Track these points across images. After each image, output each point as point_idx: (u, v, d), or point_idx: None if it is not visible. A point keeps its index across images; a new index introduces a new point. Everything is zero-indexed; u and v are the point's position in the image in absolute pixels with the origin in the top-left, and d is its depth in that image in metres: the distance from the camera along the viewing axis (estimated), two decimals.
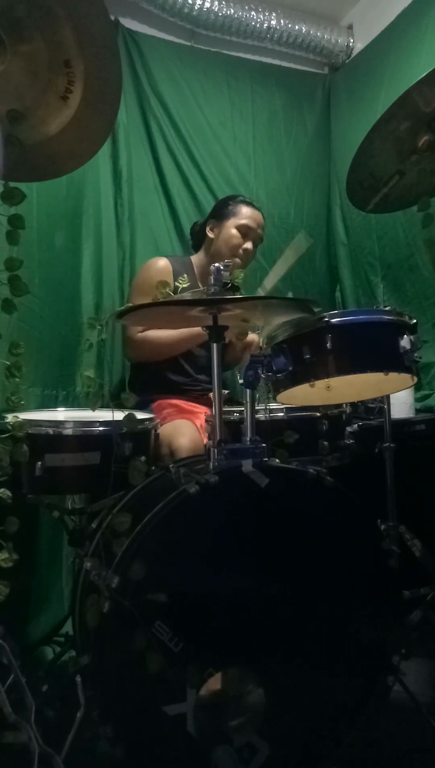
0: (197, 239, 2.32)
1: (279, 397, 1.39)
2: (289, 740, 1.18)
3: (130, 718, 1.09)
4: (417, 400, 2.20)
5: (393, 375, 1.36)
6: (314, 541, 1.24)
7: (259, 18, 2.72)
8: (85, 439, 1.39)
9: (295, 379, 1.33)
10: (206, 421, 1.80)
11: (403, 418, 1.91)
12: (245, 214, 2.18)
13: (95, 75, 1.19)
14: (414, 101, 1.36)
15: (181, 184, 2.60)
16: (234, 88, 2.77)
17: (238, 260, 2.11)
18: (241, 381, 1.36)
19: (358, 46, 2.93)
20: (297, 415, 1.60)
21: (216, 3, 2.60)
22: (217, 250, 2.15)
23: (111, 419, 1.34)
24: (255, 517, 1.22)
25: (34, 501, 1.51)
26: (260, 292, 1.98)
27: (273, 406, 1.55)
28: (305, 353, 1.31)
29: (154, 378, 2.11)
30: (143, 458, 1.32)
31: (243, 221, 2.16)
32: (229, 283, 1.31)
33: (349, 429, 1.74)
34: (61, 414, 1.71)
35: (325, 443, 1.58)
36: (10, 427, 1.26)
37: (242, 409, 1.38)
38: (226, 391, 2.05)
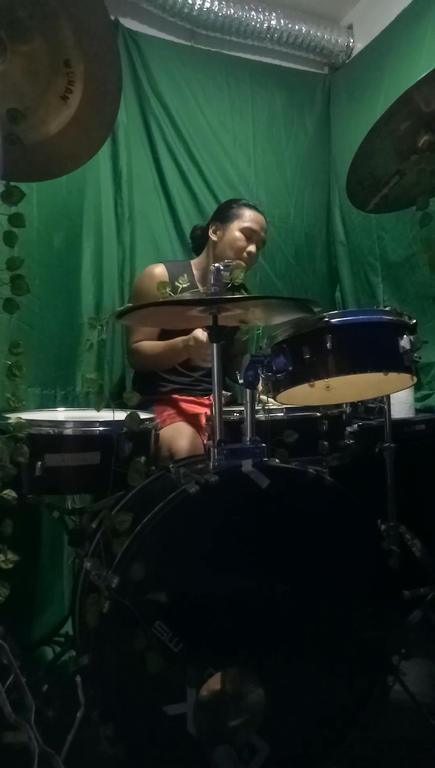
0: (198, 243, 2.32)
1: (279, 397, 1.39)
2: (289, 740, 1.18)
3: (130, 718, 1.09)
4: (417, 400, 2.20)
5: (393, 375, 1.36)
6: (314, 541, 1.24)
7: (259, 18, 2.72)
8: (85, 439, 1.39)
9: (294, 379, 1.33)
10: (206, 421, 1.81)
11: (403, 418, 1.91)
12: (249, 217, 2.18)
13: (95, 75, 1.19)
14: (414, 101, 1.36)
15: (181, 184, 2.60)
16: (234, 88, 2.76)
17: (241, 263, 2.12)
18: (241, 381, 1.36)
19: (358, 46, 2.93)
20: (297, 415, 1.60)
21: (216, 3, 2.60)
22: (221, 252, 2.14)
23: (111, 419, 1.34)
24: (255, 517, 1.22)
25: (35, 501, 1.51)
26: None
27: (273, 406, 1.55)
28: (305, 353, 1.31)
29: (155, 378, 2.12)
30: (143, 458, 1.32)
31: (247, 224, 2.16)
32: (229, 284, 1.31)
33: (349, 429, 1.74)
34: (61, 414, 1.71)
35: (325, 443, 1.58)
36: (10, 428, 1.27)
37: (242, 409, 1.38)
38: (229, 393, 2.05)
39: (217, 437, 1.30)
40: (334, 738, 1.23)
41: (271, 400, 1.46)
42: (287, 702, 1.18)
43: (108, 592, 1.08)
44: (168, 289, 1.36)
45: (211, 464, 1.28)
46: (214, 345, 1.33)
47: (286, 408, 1.58)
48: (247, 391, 1.33)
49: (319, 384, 1.33)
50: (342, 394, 1.52)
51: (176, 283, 1.38)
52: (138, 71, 2.51)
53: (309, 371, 1.31)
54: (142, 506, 1.21)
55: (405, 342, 1.32)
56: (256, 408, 1.36)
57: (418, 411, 2.10)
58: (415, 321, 1.38)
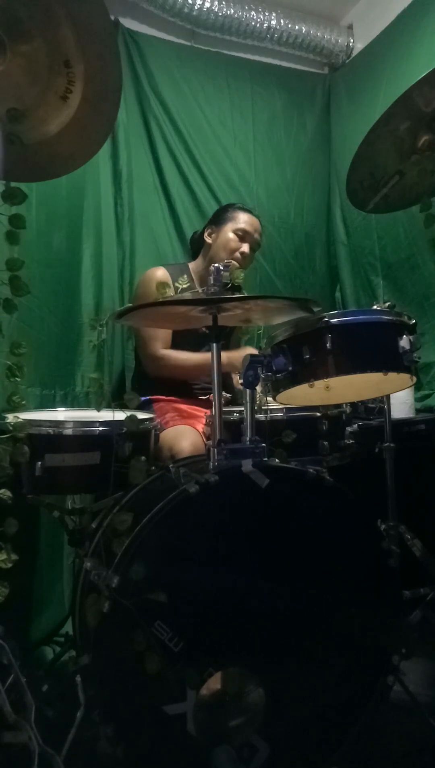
0: (196, 246, 2.35)
1: (279, 397, 1.39)
2: (289, 740, 1.18)
3: (130, 718, 1.09)
4: (417, 400, 2.20)
5: (392, 375, 1.36)
6: (314, 541, 1.24)
7: (259, 18, 2.72)
8: (85, 439, 1.39)
9: (294, 379, 1.33)
10: (206, 422, 1.81)
11: (403, 418, 1.91)
12: (243, 219, 2.21)
13: (95, 75, 1.19)
14: (414, 101, 1.36)
15: (181, 184, 2.60)
16: (234, 88, 2.77)
17: (234, 263, 2.13)
18: (241, 381, 1.36)
19: (358, 46, 2.93)
20: (297, 415, 1.60)
21: (216, 3, 2.60)
22: (215, 254, 2.17)
23: (111, 419, 1.34)
24: (255, 517, 1.22)
25: (34, 501, 1.51)
26: None
27: (273, 406, 1.55)
28: (305, 353, 1.31)
29: (154, 379, 2.12)
30: (143, 458, 1.32)
31: (240, 225, 2.19)
32: (229, 284, 1.31)
33: (349, 429, 1.74)
34: (61, 414, 1.71)
35: (325, 443, 1.58)
36: (10, 428, 1.26)
37: (242, 409, 1.38)
38: (229, 395, 2.05)
39: (217, 437, 1.30)
40: (334, 738, 1.22)
41: (269, 399, 1.46)
42: (287, 702, 1.18)
43: (108, 592, 1.08)
44: (168, 290, 1.36)
45: (211, 464, 1.28)
46: (214, 345, 1.33)
47: (286, 408, 1.58)
48: (247, 391, 1.33)
49: (319, 384, 1.33)
50: (342, 394, 1.52)
51: (176, 284, 1.38)
52: (138, 71, 2.52)
53: (309, 371, 1.31)
54: (142, 506, 1.21)
55: (405, 342, 1.32)
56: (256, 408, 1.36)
57: (418, 411, 2.10)
58: (414, 321, 1.38)
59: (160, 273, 2.14)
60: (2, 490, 1.16)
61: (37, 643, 1.84)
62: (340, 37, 2.94)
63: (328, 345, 1.28)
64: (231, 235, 2.17)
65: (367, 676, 1.26)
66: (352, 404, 1.79)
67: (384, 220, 2.53)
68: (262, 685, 1.17)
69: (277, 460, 1.32)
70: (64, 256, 2.13)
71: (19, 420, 1.29)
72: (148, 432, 1.50)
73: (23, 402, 1.31)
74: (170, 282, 2.07)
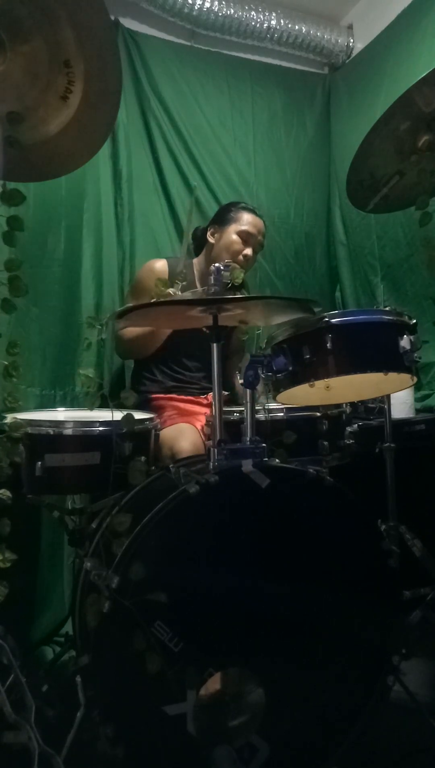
0: (198, 243, 2.32)
1: (279, 397, 1.39)
2: (289, 740, 1.18)
3: (130, 718, 1.09)
4: (417, 400, 2.20)
5: (392, 375, 1.36)
6: (314, 541, 1.24)
7: (259, 18, 2.72)
8: (85, 439, 1.39)
9: (295, 379, 1.33)
10: (206, 422, 1.81)
11: (403, 418, 1.91)
12: (247, 220, 2.18)
13: (95, 75, 1.19)
14: (414, 101, 1.36)
15: (181, 184, 2.59)
16: (234, 88, 2.76)
17: (236, 265, 2.11)
18: (241, 381, 1.36)
19: (358, 46, 2.93)
20: (297, 415, 1.60)
21: (216, 3, 2.60)
22: (217, 254, 2.15)
23: (111, 419, 1.34)
24: (255, 517, 1.22)
25: (34, 501, 1.51)
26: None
27: (273, 406, 1.55)
28: (305, 353, 1.31)
29: (153, 377, 2.12)
30: (143, 458, 1.32)
31: (244, 227, 2.16)
32: (229, 283, 1.31)
33: (349, 429, 1.74)
34: (61, 414, 1.71)
35: (325, 443, 1.58)
36: (8, 428, 1.26)
37: (242, 409, 1.38)
38: (227, 393, 2.05)
39: (217, 437, 1.30)
40: (334, 738, 1.22)
41: (263, 400, 1.46)
42: (287, 702, 1.18)
43: (108, 592, 1.08)
44: (166, 288, 1.36)
45: (211, 464, 1.28)
46: (214, 345, 1.33)
47: (286, 408, 1.58)
48: (247, 391, 1.33)
49: (319, 384, 1.33)
50: (342, 394, 1.52)
51: (175, 281, 1.38)
52: (138, 71, 2.51)
53: (309, 371, 1.31)
54: (142, 506, 1.21)
55: (405, 342, 1.32)
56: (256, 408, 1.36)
57: (418, 411, 2.10)
58: (414, 321, 1.38)
59: (160, 265, 2.13)
60: (2, 490, 1.16)
61: (37, 643, 1.84)
62: (340, 37, 2.94)
63: (328, 345, 1.28)
64: (234, 237, 2.14)
65: (367, 676, 1.26)
66: (352, 404, 1.79)
67: (383, 220, 2.52)
68: (262, 685, 1.17)
69: (277, 460, 1.32)
70: (64, 256, 2.13)
71: (17, 420, 1.29)
72: (147, 432, 1.50)
73: (19, 402, 1.31)
74: (168, 275, 2.07)
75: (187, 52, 2.67)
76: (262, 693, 1.17)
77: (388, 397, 1.62)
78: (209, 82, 2.70)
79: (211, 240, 2.20)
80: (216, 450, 1.28)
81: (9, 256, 1.19)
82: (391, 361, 1.32)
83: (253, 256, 2.21)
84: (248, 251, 2.16)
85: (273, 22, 2.75)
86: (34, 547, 1.94)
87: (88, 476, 1.39)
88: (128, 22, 2.54)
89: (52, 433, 1.37)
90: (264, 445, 1.30)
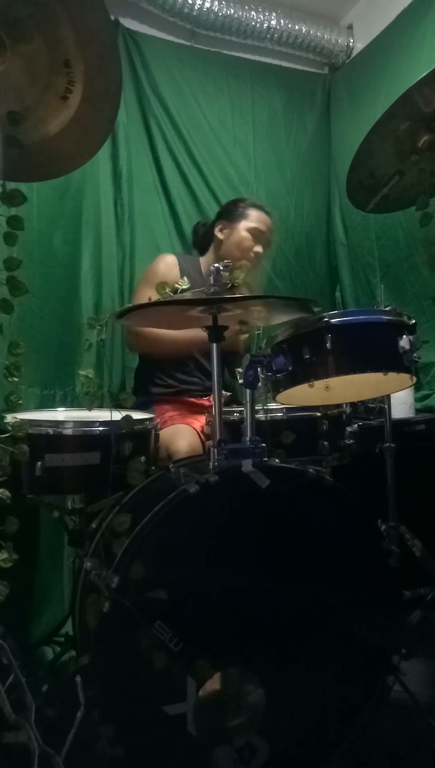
0: (203, 240, 2.30)
1: (279, 397, 1.39)
2: (289, 740, 1.18)
3: (130, 718, 1.09)
4: (417, 400, 2.20)
5: (392, 375, 1.36)
6: (314, 541, 1.24)
7: (259, 18, 2.72)
8: (84, 439, 1.39)
9: (294, 379, 1.33)
10: (206, 422, 1.81)
11: (403, 418, 1.91)
12: (257, 217, 2.17)
13: (95, 75, 1.19)
14: (414, 101, 1.36)
15: (181, 184, 2.60)
16: (234, 88, 2.77)
17: (247, 262, 2.11)
18: (241, 381, 1.36)
19: (358, 46, 2.93)
20: (297, 415, 1.60)
21: (216, 3, 2.60)
22: (228, 251, 2.13)
23: (111, 419, 1.34)
24: (255, 517, 1.22)
25: (34, 501, 1.51)
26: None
27: (273, 406, 1.55)
28: (305, 353, 1.31)
29: (155, 377, 2.12)
30: (143, 458, 1.32)
31: (254, 224, 2.15)
32: (229, 284, 1.31)
33: (349, 429, 1.74)
34: (61, 414, 1.71)
35: (325, 443, 1.58)
36: (9, 428, 1.26)
37: (242, 409, 1.38)
38: (228, 393, 2.05)
39: (217, 437, 1.30)
40: (334, 738, 1.22)
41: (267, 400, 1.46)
42: (287, 702, 1.18)
43: (108, 592, 1.08)
44: (168, 289, 1.36)
45: (211, 464, 1.28)
46: (214, 345, 1.33)
47: (286, 408, 1.58)
48: (247, 391, 1.33)
49: (319, 384, 1.33)
50: (341, 394, 1.52)
51: (176, 285, 1.38)
52: (138, 71, 2.52)
53: (309, 371, 1.31)
54: (142, 506, 1.21)
55: (404, 342, 1.32)
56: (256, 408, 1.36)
57: (418, 411, 2.10)
58: (414, 321, 1.38)
59: (171, 259, 2.14)
60: (1, 490, 1.16)
61: (37, 643, 1.84)
62: (340, 37, 2.94)
63: (328, 345, 1.28)
64: (245, 234, 2.14)
65: (367, 676, 1.26)
66: (352, 404, 1.79)
67: (383, 220, 2.53)
68: (262, 685, 1.17)
69: (277, 460, 1.32)
70: (64, 256, 2.13)
71: (18, 420, 1.29)
72: (147, 432, 1.50)
73: (20, 402, 1.31)
74: (177, 270, 2.06)
75: (187, 52, 2.67)
76: (262, 693, 1.17)
77: (388, 397, 1.62)
78: (209, 82, 2.70)
79: (220, 236, 2.19)
80: (216, 450, 1.28)
81: (9, 255, 1.19)
82: (390, 361, 1.32)
83: (263, 253, 2.20)
84: (259, 248, 2.16)
85: (273, 22, 2.75)
86: (34, 547, 1.94)
87: (87, 476, 1.39)
88: (128, 22, 2.54)
89: (52, 433, 1.37)
90: (264, 445, 1.30)
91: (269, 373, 1.34)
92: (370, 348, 1.33)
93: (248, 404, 1.33)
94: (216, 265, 1.32)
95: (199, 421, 1.90)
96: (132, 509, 1.25)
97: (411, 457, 1.72)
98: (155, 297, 1.37)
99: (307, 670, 1.20)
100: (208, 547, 1.18)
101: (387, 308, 1.37)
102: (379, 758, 1.27)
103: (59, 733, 1.12)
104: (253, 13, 2.71)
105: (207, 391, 2.11)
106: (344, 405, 1.71)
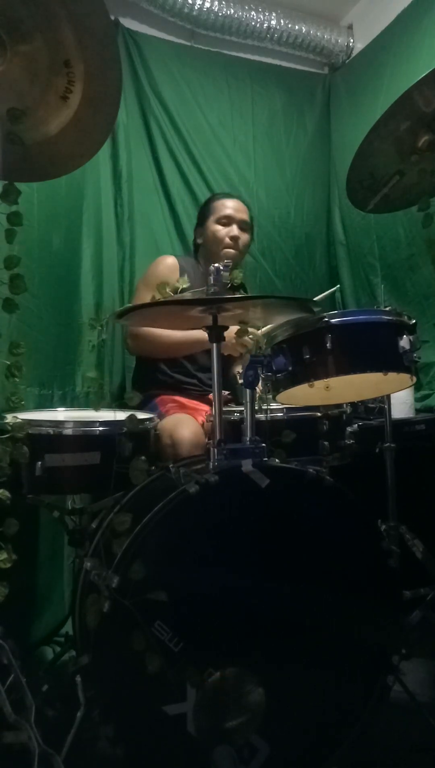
0: (194, 250, 2.33)
1: (279, 397, 1.39)
2: (289, 740, 1.18)
3: (130, 718, 1.09)
4: (417, 400, 2.20)
5: (392, 375, 1.36)
6: (314, 541, 1.24)
7: (259, 18, 2.72)
8: (85, 439, 1.39)
9: (294, 379, 1.33)
10: (207, 419, 1.81)
11: (403, 418, 1.91)
12: (222, 205, 2.18)
13: (95, 75, 1.19)
14: (414, 101, 1.36)
15: (181, 184, 2.60)
16: (234, 88, 2.77)
17: (230, 251, 2.11)
18: (241, 381, 1.36)
19: (358, 46, 2.93)
20: (297, 415, 1.60)
21: (216, 3, 2.60)
22: (208, 251, 2.15)
23: (111, 419, 1.34)
24: (255, 517, 1.22)
25: (34, 501, 1.51)
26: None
27: (273, 406, 1.55)
28: (305, 353, 1.31)
29: (155, 376, 2.12)
30: (143, 458, 1.32)
31: (221, 213, 2.16)
32: (229, 283, 1.31)
33: (349, 429, 1.74)
34: (61, 414, 1.71)
35: (325, 443, 1.58)
36: (9, 428, 1.26)
37: (242, 409, 1.38)
38: (227, 392, 2.05)
39: (217, 437, 1.30)
40: (334, 738, 1.22)
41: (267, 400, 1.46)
42: (287, 702, 1.18)
43: (108, 592, 1.08)
44: (168, 289, 1.36)
45: (211, 464, 1.28)
46: (214, 345, 1.33)
47: (286, 408, 1.58)
48: (247, 391, 1.33)
49: (319, 384, 1.33)
50: (342, 394, 1.52)
51: (176, 284, 1.38)
52: (138, 71, 2.52)
53: (309, 371, 1.31)
54: (142, 506, 1.21)
55: (404, 342, 1.32)
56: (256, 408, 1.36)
57: (418, 411, 2.10)
58: (414, 321, 1.38)
59: (171, 260, 2.14)
60: (1, 491, 1.16)
61: (37, 643, 1.84)
62: (340, 37, 2.94)
63: (328, 345, 1.28)
64: (215, 227, 2.15)
65: (367, 677, 1.26)
66: (352, 404, 1.79)
67: (383, 220, 2.52)
68: (262, 685, 1.17)
69: (277, 460, 1.32)
70: (64, 256, 2.13)
71: (18, 420, 1.29)
72: (147, 432, 1.50)
73: (22, 402, 1.31)
74: (178, 271, 2.07)
75: (187, 52, 2.67)
76: (262, 693, 1.17)
77: (388, 397, 1.62)
78: (209, 82, 2.70)
79: (199, 242, 2.22)
80: (216, 450, 1.28)
81: (8, 254, 1.18)
82: (390, 361, 1.32)
83: (244, 235, 2.18)
84: (234, 230, 2.15)
85: (273, 22, 2.75)
86: (34, 547, 1.94)
87: (88, 476, 1.39)
88: (128, 22, 2.54)
89: (52, 433, 1.37)
90: (264, 444, 1.30)
91: (269, 373, 1.34)
92: (370, 348, 1.33)
93: (248, 404, 1.33)
94: (216, 265, 1.32)
95: (201, 416, 1.90)
96: (132, 509, 1.25)
97: (411, 457, 1.72)
98: (155, 298, 1.37)
99: (307, 670, 1.20)
100: (208, 547, 1.18)
101: (387, 308, 1.37)
102: (379, 758, 1.27)
103: (59, 733, 1.12)
104: (253, 13, 2.71)
105: (205, 390, 2.11)
106: (344, 405, 1.71)
